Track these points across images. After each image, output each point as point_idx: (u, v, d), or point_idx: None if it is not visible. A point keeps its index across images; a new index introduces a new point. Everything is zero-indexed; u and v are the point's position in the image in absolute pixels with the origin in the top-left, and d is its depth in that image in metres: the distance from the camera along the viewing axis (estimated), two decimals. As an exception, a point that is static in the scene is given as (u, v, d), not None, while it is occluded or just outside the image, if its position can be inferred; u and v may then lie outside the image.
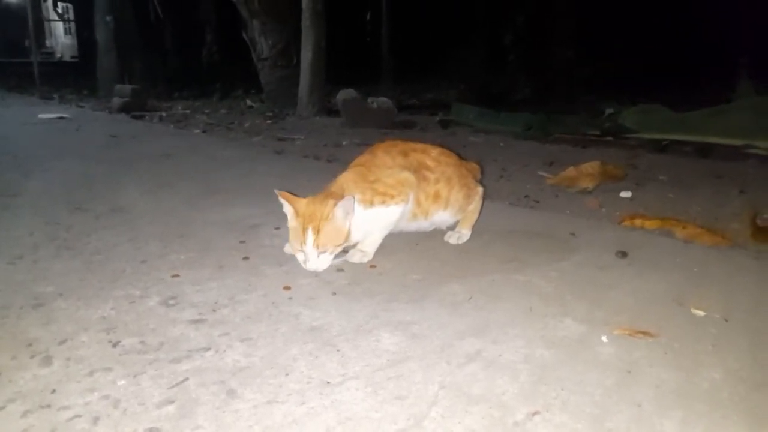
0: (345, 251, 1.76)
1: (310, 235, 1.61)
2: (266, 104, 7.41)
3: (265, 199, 2.53)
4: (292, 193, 1.72)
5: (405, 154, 1.89)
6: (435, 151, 1.96)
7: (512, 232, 2.08)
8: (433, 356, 1.21)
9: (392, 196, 1.76)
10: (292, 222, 1.69)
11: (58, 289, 1.54)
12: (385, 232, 1.83)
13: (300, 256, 1.67)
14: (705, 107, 4.64)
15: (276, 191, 1.70)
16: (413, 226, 1.93)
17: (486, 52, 11.24)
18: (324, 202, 1.65)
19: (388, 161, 1.85)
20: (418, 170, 1.87)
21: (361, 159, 1.90)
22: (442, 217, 1.94)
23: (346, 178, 1.80)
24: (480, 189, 2.03)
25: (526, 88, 8.69)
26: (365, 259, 1.77)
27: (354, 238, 1.75)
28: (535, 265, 1.75)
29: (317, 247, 1.62)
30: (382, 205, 1.75)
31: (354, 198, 1.67)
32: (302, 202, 1.68)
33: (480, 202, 2.02)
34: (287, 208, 1.70)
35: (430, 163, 1.91)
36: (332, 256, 1.69)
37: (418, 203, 1.86)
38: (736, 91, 5.09)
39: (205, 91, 9.00)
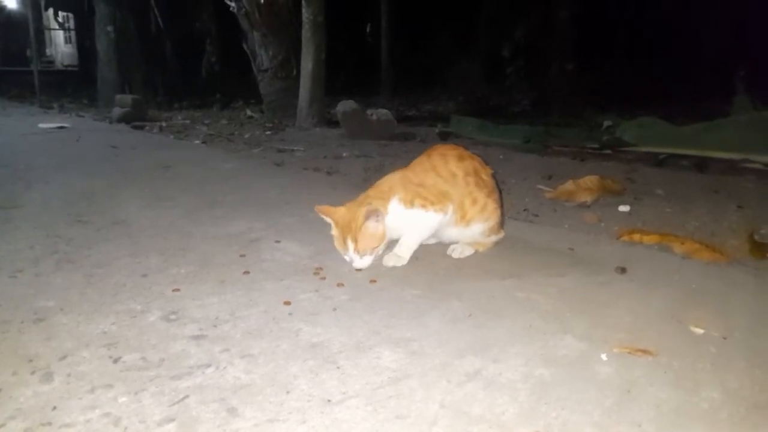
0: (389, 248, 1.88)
1: (350, 244, 1.77)
2: (266, 115, 7.44)
3: (266, 212, 2.54)
4: (330, 206, 1.86)
5: (461, 159, 1.93)
6: (488, 170, 2.01)
7: (511, 247, 2.08)
8: (434, 374, 1.21)
9: (433, 203, 1.83)
10: (333, 231, 1.82)
11: (59, 303, 1.54)
12: (421, 239, 1.89)
13: (347, 257, 1.82)
14: (703, 121, 4.67)
15: (316, 208, 1.85)
16: (452, 233, 1.95)
17: (485, 65, 11.32)
18: (357, 212, 1.76)
19: (440, 165, 1.90)
20: (471, 174, 1.91)
21: (417, 160, 1.96)
22: (474, 230, 1.93)
23: (394, 178, 1.90)
24: (503, 233, 2.04)
25: (524, 100, 8.75)
26: (399, 263, 1.85)
27: (389, 236, 1.83)
28: (534, 281, 1.76)
29: (358, 252, 1.77)
30: (421, 208, 1.81)
31: (380, 210, 1.76)
32: (339, 213, 1.80)
33: (495, 243, 2.02)
34: (327, 220, 1.83)
35: (484, 177, 1.96)
36: (373, 255, 1.80)
37: (462, 208, 1.89)
38: (733, 105, 5.13)
39: (206, 102, 9.04)
